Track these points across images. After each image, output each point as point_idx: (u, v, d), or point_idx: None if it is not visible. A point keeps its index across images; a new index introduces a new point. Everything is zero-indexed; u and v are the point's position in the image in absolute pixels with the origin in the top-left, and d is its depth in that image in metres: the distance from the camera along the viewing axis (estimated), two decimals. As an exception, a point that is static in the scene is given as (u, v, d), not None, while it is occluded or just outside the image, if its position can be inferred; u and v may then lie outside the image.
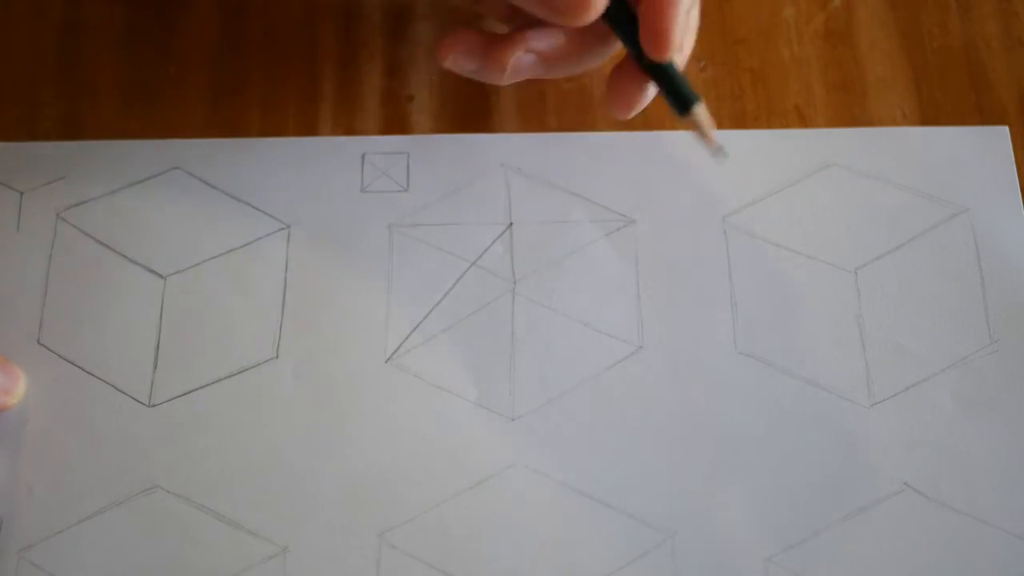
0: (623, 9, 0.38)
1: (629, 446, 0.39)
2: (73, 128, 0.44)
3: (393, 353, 0.39)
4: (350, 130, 0.44)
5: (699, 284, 0.41)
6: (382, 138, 0.43)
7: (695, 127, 0.39)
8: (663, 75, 0.38)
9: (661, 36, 0.37)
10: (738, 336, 0.40)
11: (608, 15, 0.38)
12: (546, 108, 0.44)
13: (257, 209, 0.42)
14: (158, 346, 0.39)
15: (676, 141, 0.43)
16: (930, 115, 0.44)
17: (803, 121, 0.44)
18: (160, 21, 0.46)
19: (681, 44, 0.38)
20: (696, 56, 0.45)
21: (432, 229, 0.41)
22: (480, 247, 0.41)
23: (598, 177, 0.42)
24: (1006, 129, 0.43)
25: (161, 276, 0.40)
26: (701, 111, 0.38)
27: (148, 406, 0.39)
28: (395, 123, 0.44)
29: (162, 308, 0.40)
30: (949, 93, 0.44)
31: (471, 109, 0.44)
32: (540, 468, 0.38)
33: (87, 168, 0.42)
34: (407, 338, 0.40)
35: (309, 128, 0.44)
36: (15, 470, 0.38)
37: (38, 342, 0.40)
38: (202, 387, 0.39)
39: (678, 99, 0.38)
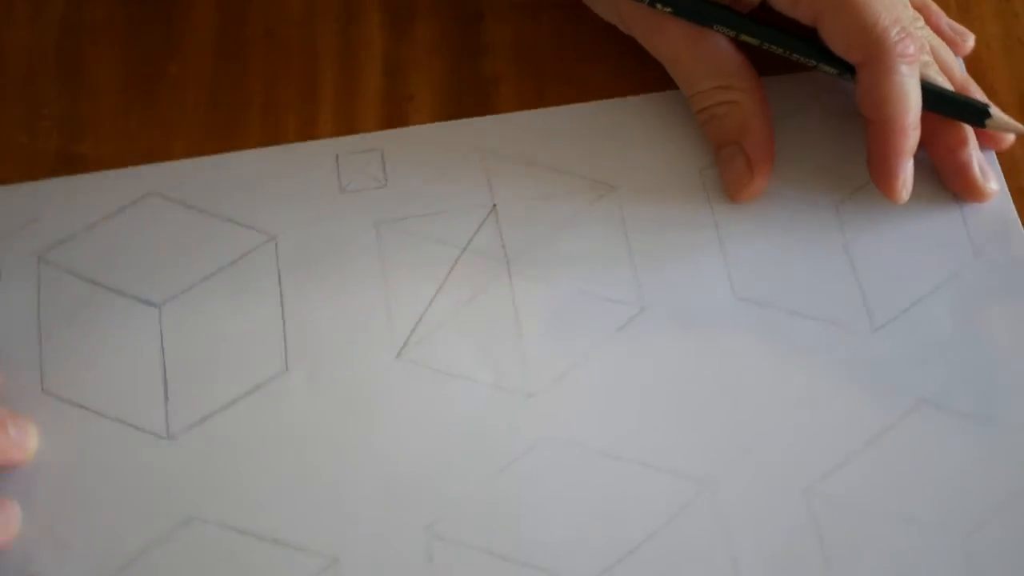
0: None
1: (650, 405, 0.39)
2: (73, 128, 0.44)
3: (402, 348, 0.40)
4: (350, 130, 0.44)
5: (687, 238, 0.41)
6: (353, 137, 0.43)
7: (1003, 129, 0.41)
8: (947, 100, 0.41)
9: (887, 180, 0.40)
10: (734, 283, 0.41)
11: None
12: (546, 107, 0.44)
13: (240, 224, 0.41)
14: (165, 376, 0.39)
15: (641, 104, 0.43)
16: (929, 115, 0.44)
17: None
18: (160, 21, 0.46)
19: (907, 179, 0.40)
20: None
21: (418, 220, 0.41)
22: (468, 232, 0.41)
23: (573, 148, 0.43)
24: None
25: (155, 305, 0.40)
26: (998, 113, 0.41)
27: (167, 438, 0.38)
28: (395, 123, 0.44)
29: (162, 337, 0.40)
30: (949, 93, 0.44)
31: (471, 109, 0.44)
32: (568, 439, 0.38)
33: (59, 206, 0.41)
34: (413, 331, 0.40)
35: (309, 128, 0.44)
36: (46, 528, 0.37)
37: (42, 390, 0.39)
38: (218, 411, 0.39)
39: (972, 113, 0.41)
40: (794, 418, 0.39)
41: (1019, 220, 0.42)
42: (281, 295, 0.40)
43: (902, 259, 0.41)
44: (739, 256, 0.41)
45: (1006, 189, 0.42)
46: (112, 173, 0.42)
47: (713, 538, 0.37)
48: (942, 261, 0.41)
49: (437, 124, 0.43)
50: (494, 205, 0.42)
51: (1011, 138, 0.42)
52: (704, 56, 0.41)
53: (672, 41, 0.41)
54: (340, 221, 0.41)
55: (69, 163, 0.43)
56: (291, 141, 0.44)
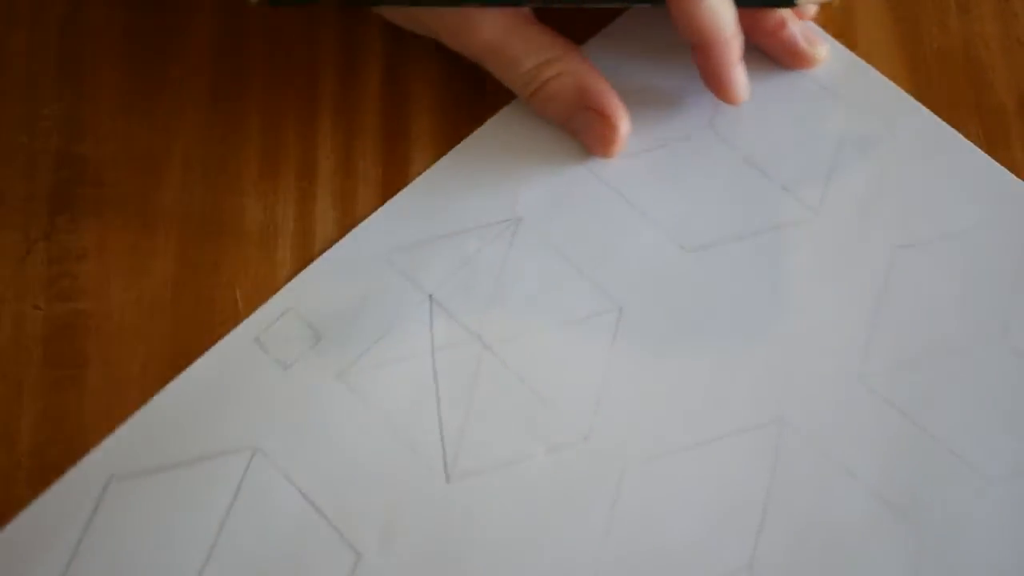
0: None
1: (682, 385, 0.39)
2: (73, 128, 0.44)
3: (447, 471, 0.39)
4: (350, 130, 0.44)
5: (609, 225, 0.42)
6: (261, 312, 0.41)
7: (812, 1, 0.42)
8: None
9: (725, 91, 0.42)
10: (676, 239, 0.41)
11: None
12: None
13: (210, 455, 0.39)
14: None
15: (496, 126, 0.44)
16: (929, 115, 0.44)
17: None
18: (160, 22, 0.46)
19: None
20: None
21: (372, 353, 0.40)
22: (425, 337, 0.40)
23: (469, 200, 0.42)
24: None
25: None
26: None
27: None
28: (395, 122, 0.44)
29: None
30: (948, 93, 0.44)
31: (471, 109, 0.44)
32: (644, 453, 0.38)
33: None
34: (444, 451, 0.39)
35: (309, 128, 0.44)
36: None
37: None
38: None
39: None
40: (808, 313, 0.40)
41: (863, 60, 0.45)
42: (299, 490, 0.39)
43: (795, 143, 0.43)
44: (657, 213, 0.42)
45: (837, 43, 0.45)
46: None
47: (818, 459, 0.38)
48: (826, 127, 0.43)
49: (335, 247, 0.42)
50: (430, 296, 0.41)
51: (813, 9, 0.44)
52: (519, 39, 0.42)
53: (483, 33, 0.42)
54: (305, 398, 0.39)
55: (69, 163, 0.43)
56: (291, 142, 0.44)
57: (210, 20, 0.46)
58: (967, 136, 0.43)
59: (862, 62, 0.44)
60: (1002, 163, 0.43)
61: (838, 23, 0.45)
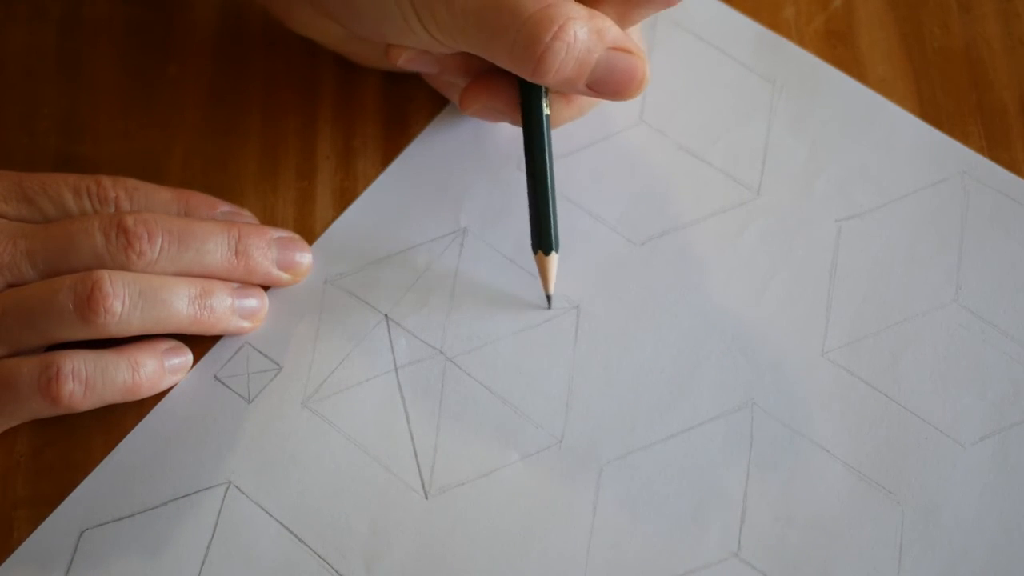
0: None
1: (647, 377, 0.40)
2: (73, 128, 0.44)
3: (427, 488, 0.38)
4: (350, 130, 0.44)
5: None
6: (216, 348, 0.41)
7: (542, 270, 0.40)
8: (544, 206, 0.39)
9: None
10: (622, 232, 0.42)
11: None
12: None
13: (189, 494, 0.39)
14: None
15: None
16: (930, 115, 0.44)
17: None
18: (160, 21, 0.46)
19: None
20: (696, 56, 0.45)
21: (337, 376, 0.40)
22: (387, 356, 0.40)
23: (413, 216, 0.42)
24: None
25: None
26: (554, 262, 0.40)
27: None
28: (395, 121, 0.44)
29: None
30: (949, 93, 0.44)
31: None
32: (621, 447, 0.39)
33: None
34: (419, 468, 0.39)
35: (309, 127, 0.44)
36: None
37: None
38: None
39: (547, 237, 0.39)
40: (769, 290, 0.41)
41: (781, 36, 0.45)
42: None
43: (725, 126, 0.43)
44: (601, 210, 0.42)
45: (747, 19, 0.45)
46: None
47: (793, 439, 0.38)
48: (755, 107, 0.44)
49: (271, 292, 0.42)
50: (386, 316, 0.41)
51: None
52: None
53: None
54: (272, 428, 0.39)
55: (69, 163, 0.43)
56: (291, 141, 0.44)
57: (209, 19, 0.46)
58: (968, 136, 0.43)
59: (780, 37, 0.45)
60: (1003, 163, 0.43)
61: (839, 23, 0.45)
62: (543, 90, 0.38)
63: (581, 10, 0.36)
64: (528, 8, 0.35)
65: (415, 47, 0.39)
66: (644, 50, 0.38)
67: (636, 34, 0.39)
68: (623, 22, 0.37)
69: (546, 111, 0.39)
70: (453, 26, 0.36)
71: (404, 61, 0.40)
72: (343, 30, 0.40)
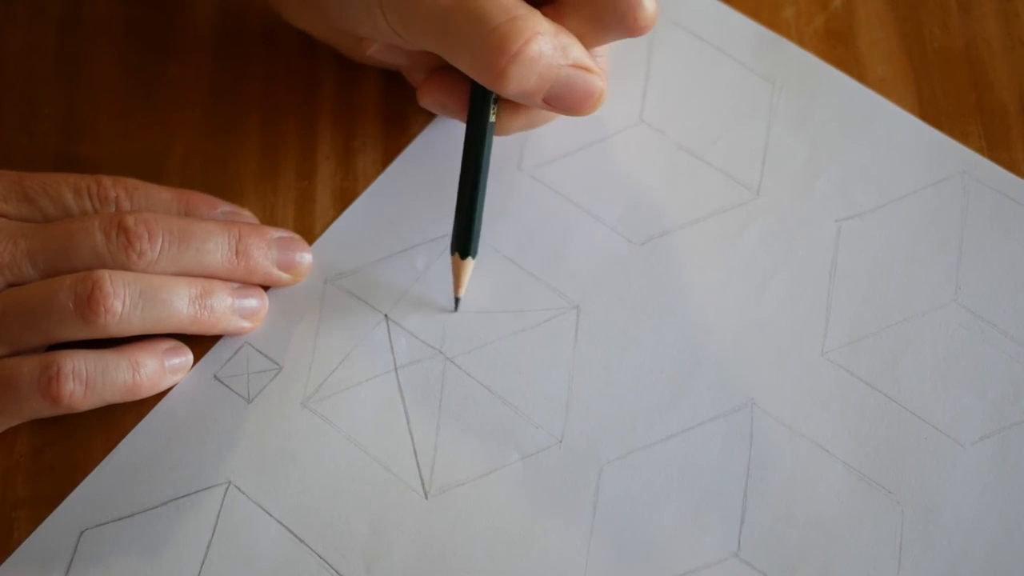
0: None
1: (647, 377, 0.40)
2: (73, 128, 0.44)
3: (428, 489, 0.38)
4: (350, 130, 0.44)
5: (546, 227, 0.42)
6: (216, 349, 0.41)
7: (456, 272, 0.40)
8: (470, 210, 0.39)
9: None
10: (622, 233, 0.42)
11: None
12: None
13: (182, 500, 0.39)
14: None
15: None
16: (930, 115, 0.44)
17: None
18: (160, 21, 0.46)
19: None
20: (696, 56, 0.45)
21: (336, 376, 0.40)
22: (387, 358, 0.40)
23: (412, 216, 0.42)
24: None
25: None
26: (469, 267, 0.40)
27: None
28: (395, 121, 0.44)
29: None
30: (949, 93, 0.44)
31: (471, 109, 0.44)
32: (619, 448, 0.39)
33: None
34: (420, 470, 0.39)
35: (309, 127, 0.44)
36: None
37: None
38: None
39: (466, 241, 0.39)
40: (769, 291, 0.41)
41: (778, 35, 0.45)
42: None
43: (725, 126, 0.43)
44: (602, 210, 0.42)
45: (747, 19, 0.45)
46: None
47: (793, 439, 0.38)
48: (755, 107, 0.43)
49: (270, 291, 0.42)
50: (386, 316, 0.41)
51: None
52: None
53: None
54: (272, 428, 0.39)
55: (69, 163, 0.43)
56: (291, 141, 0.44)
57: (209, 19, 0.46)
58: (968, 136, 0.43)
59: (779, 37, 0.45)
60: (1003, 163, 0.43)
61: (839, 23, 0.45)
62: (492, 98, 0.39)
63: (548, 25, 0.36)
64: (496, 18, 0.35)
65: (383, 41, 0.39)
66: (606, 71, 0.39)
67: (604, 57, 0.39)
68: (588, 43, 0.37)
69: (491, 119, 0.39)
70: (416, 26, 0.36)
71: (374, 52, 0.40)
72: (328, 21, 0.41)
